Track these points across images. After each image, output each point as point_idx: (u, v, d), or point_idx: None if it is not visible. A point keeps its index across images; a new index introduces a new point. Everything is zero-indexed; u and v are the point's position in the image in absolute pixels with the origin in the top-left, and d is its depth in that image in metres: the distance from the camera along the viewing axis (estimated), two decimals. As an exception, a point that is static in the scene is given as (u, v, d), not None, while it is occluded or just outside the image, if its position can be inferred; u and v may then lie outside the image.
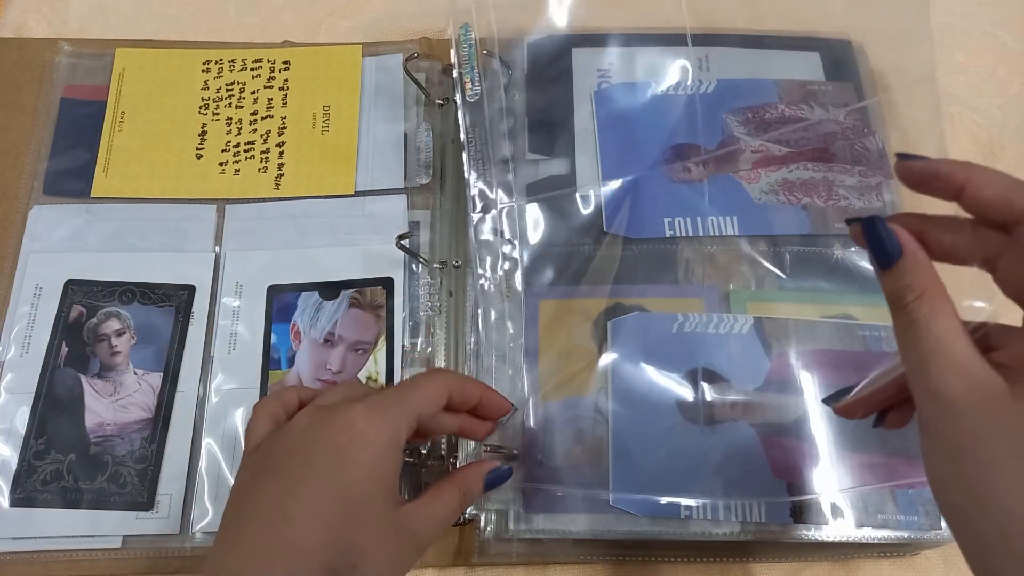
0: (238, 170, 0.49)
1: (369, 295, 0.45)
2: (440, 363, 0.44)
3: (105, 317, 0.45)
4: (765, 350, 0.42)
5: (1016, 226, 0.25)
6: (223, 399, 0.43)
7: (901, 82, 0.53)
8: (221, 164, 0.49)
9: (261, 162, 0.49)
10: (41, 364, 0.43)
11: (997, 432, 0.23)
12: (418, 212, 0.48)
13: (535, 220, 0.46)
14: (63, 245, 0.47)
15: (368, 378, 0.43)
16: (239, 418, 0.42)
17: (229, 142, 0.50)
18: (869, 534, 0.39)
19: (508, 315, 0.44)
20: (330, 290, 0.45)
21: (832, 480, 0.39)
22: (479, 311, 0.44)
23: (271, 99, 0.51)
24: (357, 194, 0.48)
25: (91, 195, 0.48)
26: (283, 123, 0.50)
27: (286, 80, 0.52)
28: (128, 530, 0.40)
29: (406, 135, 0.50)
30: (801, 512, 0.39)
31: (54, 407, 0.42)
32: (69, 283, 0.45)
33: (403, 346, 0.44)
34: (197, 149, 0.50)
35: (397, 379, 0.43)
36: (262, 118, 0.51)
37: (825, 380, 0.41)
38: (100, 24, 0.55)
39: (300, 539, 0.26)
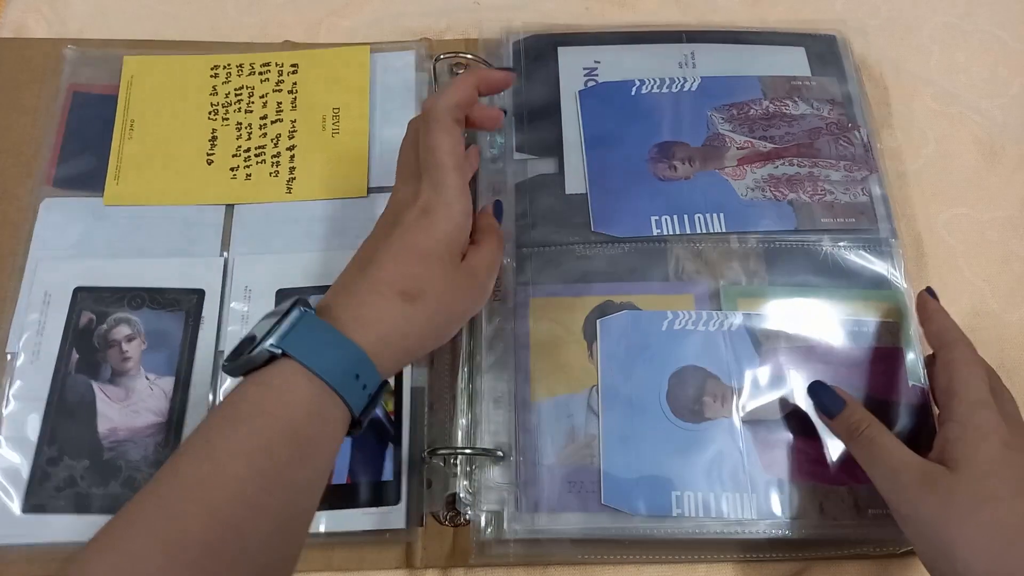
0: (249, 175, 0.49)
1: None
2: (447, 363, 0.44)
3: (115, 323, 0.45)
4: (755, 346, 0.43)
5: (937, 350, 0.38)
6: None
7: (899, 79, 0.53)
8: (232, 169, 0.49)
9: (272, 166, 0.49)
10: (52, 371, 0.43)
11: (951, 505, 0.32)
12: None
13: (523, 219, 0.46)
14: (71, 251, 0.47)
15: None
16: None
17: (240, 147, 0.50)
18: (863, 530, 0.39)
19: (499, 315, 0.44)
20: None
21: (824, 476, 0.40)
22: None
23: (280, 103, 0.51)
24: (370, 192, 0.48)
25: (104, 203, 0.48)
26: (293, 126, 0.50)
27: (295, 83, 0.51)
28: None
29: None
30: (794, 508, 0.40)
31: (66, 414, 0.42)
32: (78, 290, 0.45)
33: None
34: (208, 155, 0.50)
35: (406, 383, 0.44)
36: (272, 122, 0.50)
37: (814, 375, 0.42)
38: (100, 24, 0.55)
39: (381, 274, 0.34)
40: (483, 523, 0.40)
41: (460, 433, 0.42)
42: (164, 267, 0.46)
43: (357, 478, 0.41)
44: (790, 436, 0.41)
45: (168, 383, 0.44)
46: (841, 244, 0.46)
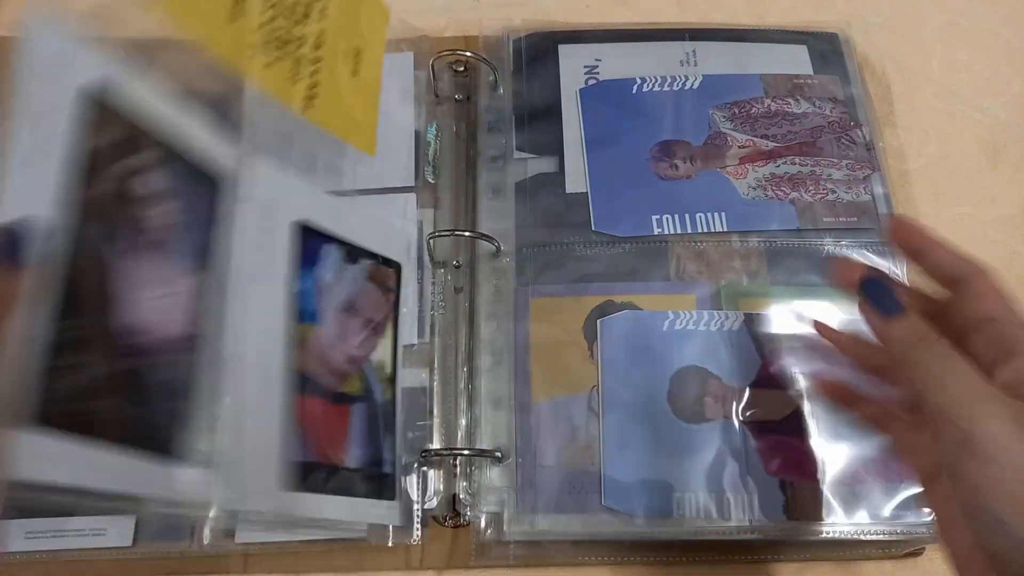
0: (269, 64, 0.38)
1: (383, 273, 0.43)
2: (446, 363, 0.44)
3: (145, 165, 0.29)
4: (756, 346, 0.43)
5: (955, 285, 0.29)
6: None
7: (901, 76, 0.53)
8: (251, 47, 0.37)
9: (293, 70, 0.40)
10: (53, 199, 0.25)
11: None
12: (422, 211, 0.48)
13: (524, 219, 0.46)
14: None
15: (379, 366, 0.42)
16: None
17: (264, 23, 0.37)
18: (865, 530, 0.39)
19: (499, 315, 0.44)
20: (352, 253, 0.42)
21: (825, 476, 0.40)
22: (473, 311, 0.44)
23: (310, 4, 0.41)
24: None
25: None
26: (320, 38, 0.41)
27: None
28: (151, 490, 0.28)
29: (417, 133, 0.49)
30: (795, 509, 0.39)
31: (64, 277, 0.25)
32: (89, 95, 0.27)
33: (406, 344, 0.44)
34: (231, 13, 0.36)
35: (400, 379, 0.43)
36: (301, 18, 0.40)
37: (816, 376, 0.42)
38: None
39: None
40: (483, 524, 0.40)
41: (459, 434, 0.42)
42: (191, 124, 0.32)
43: (359, 464, 0.39)
44: (792, 437, 0.41)
45: (197, 279, 0.31)
46: (843, 244, 0.45)
